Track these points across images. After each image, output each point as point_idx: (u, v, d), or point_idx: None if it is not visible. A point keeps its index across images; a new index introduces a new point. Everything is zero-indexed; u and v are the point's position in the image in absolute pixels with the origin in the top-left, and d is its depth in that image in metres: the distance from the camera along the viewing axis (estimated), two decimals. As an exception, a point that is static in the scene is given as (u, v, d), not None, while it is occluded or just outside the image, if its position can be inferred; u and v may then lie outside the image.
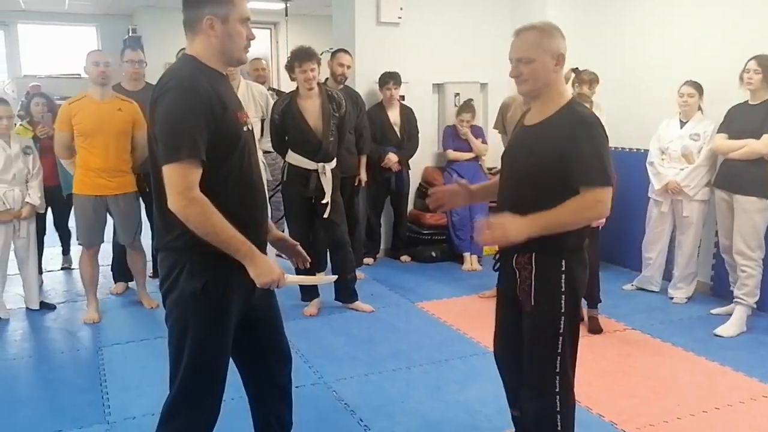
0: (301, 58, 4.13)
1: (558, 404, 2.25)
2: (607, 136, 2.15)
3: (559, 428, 2.27)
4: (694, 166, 4.37)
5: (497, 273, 2.42)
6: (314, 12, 10.47)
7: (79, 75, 11.04)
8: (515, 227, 2.05)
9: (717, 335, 3.99)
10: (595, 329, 4.02)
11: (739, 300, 4.10)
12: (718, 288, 4.66)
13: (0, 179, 4.11)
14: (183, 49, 2.13)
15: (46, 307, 4.43)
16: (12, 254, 4.31)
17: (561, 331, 2.19)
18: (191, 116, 1.83)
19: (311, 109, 4.17)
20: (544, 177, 2.12)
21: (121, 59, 4.61)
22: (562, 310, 2.18)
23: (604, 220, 3.03)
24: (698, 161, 4.36)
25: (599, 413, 3.05)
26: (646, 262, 4.79)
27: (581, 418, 3.00)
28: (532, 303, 2.22)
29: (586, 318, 4.05)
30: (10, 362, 3.71)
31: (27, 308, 4.42)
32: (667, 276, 4.78)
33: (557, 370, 2.23)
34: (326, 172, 4.20)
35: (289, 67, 4.27)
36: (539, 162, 2.14)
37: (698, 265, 4.62)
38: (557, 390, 2.25)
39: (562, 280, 2.17)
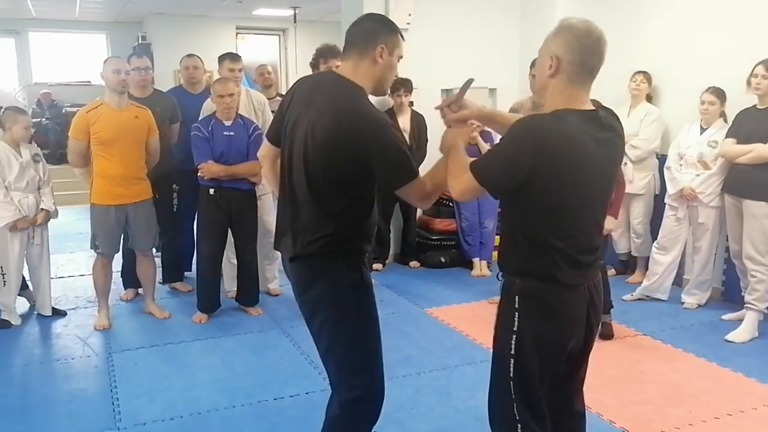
0: (325, 54, 4.20)
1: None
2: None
3: None
4: (710, 173, 4.34)
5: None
6: (323, 18, 10.51)
7: (89, 82, 11.16)
8: (451, 137, 2.12)
9: (728, 341, 3.97)
10: (607, 335, 3.99)
11: (750, 305, 4.07)
12: (730, 293, 4.63)
13: (15, 187, 4.13)
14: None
15: (57, 313, 4.45)
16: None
17: (511, 374, 1.95)
18: (402, 145, 2.07)
19: None
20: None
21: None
22: (512, 352, 1.94)
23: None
24: (714, 168, 4.33)
25: (610, 420, 3.03)
26: (653, 270, 4.72)
27: (592, 424, 2.99)
28: (493, 335, 2.04)
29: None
30: (21, 368, 3.73)
31: (38, 314, 4.44)
32: (677, 281, 4.75)
33: (517, 418, 1.97)
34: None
35: (314, 64, 4.33)
36: None
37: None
38: (518, 418, 1.97)
39: (516, 318, 1.94)
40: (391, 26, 2.14)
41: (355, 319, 2.12)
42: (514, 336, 1.94)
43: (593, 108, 1.93)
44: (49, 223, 4.36)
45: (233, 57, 4.70)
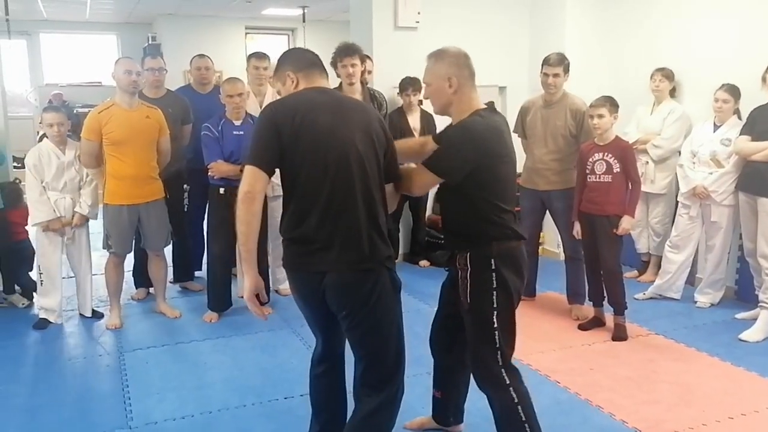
0: (342, 53, 4.23)
1: (514, 395, 2.39)
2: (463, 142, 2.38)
3: (523, 419, 2.39)
4: (723, 172, 4.30)
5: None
6: (332, 18, 10.52)
7: (100, 83, 11.20)
8: None
9: (742, 340, 3.93)
10: (621, 337, 3.96)
11: (764, 304, 4.03)
12: (743, 292, 4.59)
13: (52, 187, 4.13)
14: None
15: (96, 315, 4.44)
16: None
17: (495, 325, 2.38)
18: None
19: None
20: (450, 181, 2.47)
21: (141, 67, 4.65)
22: (494, 305, 2.37)
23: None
24: (727, 167, 4.29)
25: (622, 419, 3.01)
26: (666, 269, 4.68)
27: (604, 424, 2.98)
28: (468, 301, 2.41)
29: (611, 324, 4.01)
30: (33, 367, 3.75)
31: (80, 315, 4.46)
32: (689, 280, 4.72)
33: (500, 363, 2.40)
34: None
35: (333, 63, 4.38)
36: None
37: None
38: (508, 383, 2.40)
39: (494, 277, 2.36)
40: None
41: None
42: (495, 292, 2.36)
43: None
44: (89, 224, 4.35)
45: (259, 55, 4.72)
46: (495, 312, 2.37)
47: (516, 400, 2.39)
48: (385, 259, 2.29)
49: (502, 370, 2.40)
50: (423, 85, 2.56)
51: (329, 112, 2.21)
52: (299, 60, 2.35)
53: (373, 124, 2.29)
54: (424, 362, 3.66)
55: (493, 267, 2.35)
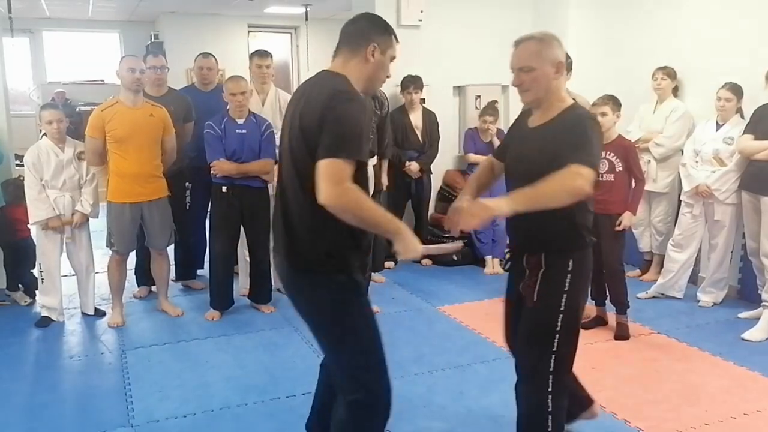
0: None
1: (550, 404, 2.28)
2: (600, 133, 2.31)
3: (549, 429, 2.29)
4: (726, 170, 4.29)
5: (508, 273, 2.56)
6: (334, 16, 10.50)
7: (103, 81, 11.22)
8: (496, 202, 2.05)
9: (745, 339, 3.93)
10: (623, 336, 3.95)
11: (767, 303, 4.02)
12: (746, 291, 4.58)
13: (51, 185, 4.12)
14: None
15: (98, 313, 4.44)
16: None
17: (558, 329, 2.26)
18: (361, 129, 1.99)
19: None
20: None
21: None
22: (562, 308, 2.26)
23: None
24: (730, 165, 4.27)
25: (625, 419, 3.00)
26: (668, 268, 4.67)
27: (606, 424, 2.97)
28: (535, 298, 2.30)
29: (614, 323, 4.01)
30: (34, 365, 3.76)
31: (82, 313, 4.47)
32: (692, 279, 4.71)
33: (551, 369, 2.27)
34: (368, 168, 4.22)
35: None
36: (544, 164, 2.15)
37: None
38: (549, 389, 2.28)
39: (567, 280, 2.26)
40: (386, 27, 2.16)
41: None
42: (565, 295, 2.26)
43: None
44: (89, 222, 4.35)
45: (261, 53, 4.72)
46: (561, 315, 2.26)
47: (550, 409, 2.27)
48: (315, 262, 2.10)
49: (550, 376, 2.27)
50: (515, 70, 2.28)
51: (293, 102, 2.17)
52: None
53: (304, 117, 2.03)
54: (426, 361, 3.68)
55: (570, 269, 2.27)
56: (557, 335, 2.26)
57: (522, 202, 2.05)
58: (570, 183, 2.06)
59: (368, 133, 2.05)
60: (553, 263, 2.28)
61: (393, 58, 2.17)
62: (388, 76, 2.19)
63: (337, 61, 2.15)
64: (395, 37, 2.17)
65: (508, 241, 2.75)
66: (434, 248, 2.40)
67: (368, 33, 2.10)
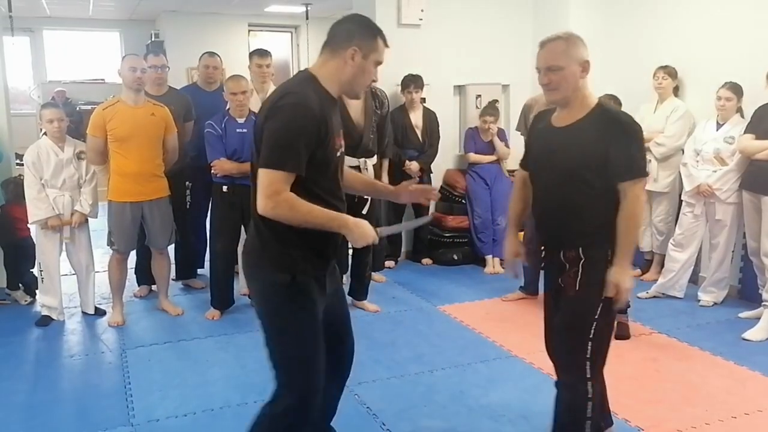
0: None
1: (590, 390, 2.33)
2: (641, 131, 2.33)
3: (589, 415, 2.33)
4: (727, 169, 4.28)
5: (543, 272, 2.57)
6: (335, 15, 10.46)
7: (103, 80, 11.23)
8: (623, 278, 2.24)
9: (746, 339, 3.92)
10: (624, 335, 3.93)
11: (767, 303, 4.02)
12: (747, 291, 4.57)
13: (50, 184, 4.12)
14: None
15: (98, 312, 4.44)
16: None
17: (596, 316, 2.30)
18: (299, 136, 1.95)
19: (354, 104, 4.15)
20: (588, 174, 2.24)
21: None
22: (602, 297, 2.28)
23: None
24: (731, 164, 4.27)
25: (625, 418, 3.00)
26: (669, 267, 4.66)
27: (607, 423, 2.97)
28: (576, 288, 2.32)
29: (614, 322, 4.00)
30: (35, 364, 3.76)
31: (82, 312, 4.46)
32: (692, 279, 4.71)
33: (588, 356, 2.32)
34: (368, 167, 4.22)
35: None
36: (582, 160, 2.25)
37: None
38: (588, 376, 2.32)
39: (607, 270, 2.27)
40: (374, 31, 2.13)
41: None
42: (602, 304, 2.28)
43: None
44: (89, 222, 4.34)
45: (261, 53, 4.72)
46: (600, 306, 2.30)
47: (590, 395, 2.33)
48: (266, 259, 2.12)
49: (588, 362, 2.33)
50: (542, 70, 2.31)
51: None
52: None
53: (259, 118, 2.07)
54: (426, 361, 3.67)
55: (609, 258, 2.28)
56: (595, 323, 2.31)
57: (627, 259, 2.27)
58: (639, 211, 2.27)
59: (314, 139, 1.98)
60: (592, 255, 2.32)
61: (378, 63, 2.14)
62: (374, 81, 2.20)
63: (317, 61, 2.13)
64: (384, 41, 2.14)
65: (525, 240, 2.79)
66: (395, 227, 2.42)
67: (353, 36, 2.07)
